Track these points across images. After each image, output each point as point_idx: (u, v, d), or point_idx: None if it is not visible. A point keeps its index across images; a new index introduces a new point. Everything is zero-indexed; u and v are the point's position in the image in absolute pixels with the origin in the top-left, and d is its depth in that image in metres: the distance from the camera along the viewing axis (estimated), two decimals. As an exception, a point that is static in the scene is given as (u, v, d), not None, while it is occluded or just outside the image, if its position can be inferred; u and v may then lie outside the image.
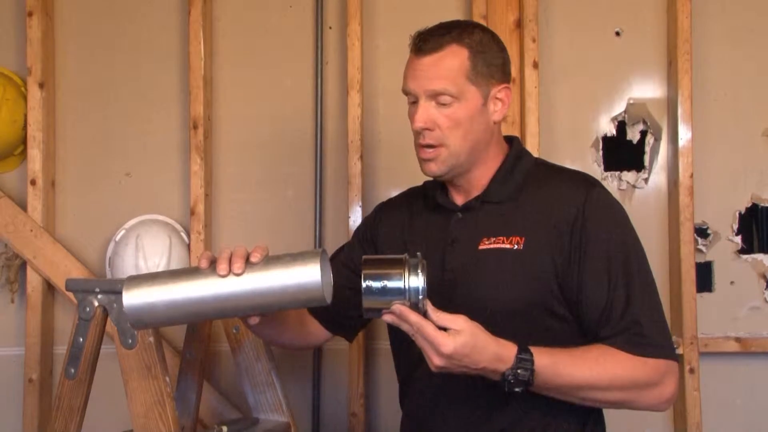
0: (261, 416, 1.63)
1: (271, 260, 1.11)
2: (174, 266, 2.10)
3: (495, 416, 1.26)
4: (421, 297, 1.08)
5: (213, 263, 1.11)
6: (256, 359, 1.62)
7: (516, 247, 1.26)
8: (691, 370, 2.02)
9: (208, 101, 2.17)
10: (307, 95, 2.18)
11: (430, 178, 1.43)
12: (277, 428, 1.60)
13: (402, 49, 1.38)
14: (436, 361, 1.08)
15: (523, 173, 1.35)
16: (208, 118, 2.16)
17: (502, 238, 1.28)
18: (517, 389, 1.11)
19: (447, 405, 1.31)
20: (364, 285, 1.06)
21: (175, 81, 2.21)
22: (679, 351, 2.03)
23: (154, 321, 1.13)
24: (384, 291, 1.06)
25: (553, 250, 1.24)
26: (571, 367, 1.15)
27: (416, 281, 1.07)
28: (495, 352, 1.11)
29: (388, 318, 1.09)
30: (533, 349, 1.13)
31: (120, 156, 2.22)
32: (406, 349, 1.31)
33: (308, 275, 1.07)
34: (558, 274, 1.23)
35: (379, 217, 1.51)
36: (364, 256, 1.11)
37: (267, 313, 1.17)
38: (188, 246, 2.15)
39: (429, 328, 1.07)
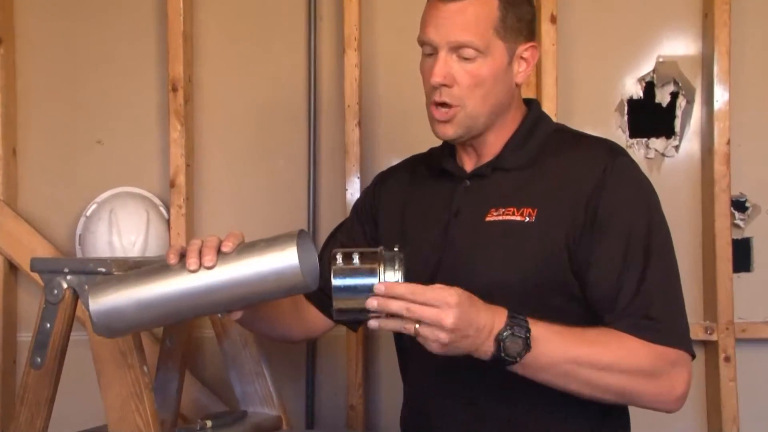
0: (249, 409, 1.63)
1: (245, 248, 1.11)
2: (152, 245, 2.10)
3: (498, 412, 1.28)
4: None
5: (183, 257, 1.12)
6: (243, 346, 1.62)
7: (527, 219, 1.26)
8: (727, 359, 2.02)
9: (189, 61, 2.15)
10: (299, 55, 2.17)
11: (437, 145, 1.45)
12: (267, 422, 1.61)
13: (405, 2, 1.37)
14: (441, 336, 1.07)
15: (541, 139, 1.35)
16: (188, 80, 2.14)
17: (512, 209, 1.28)
18: (514, 357, 1.11)
19: (448, 396, 1.33)
20: (334, 283, 1.07)
21: (152, 38, 2.19)
22: (713, 337, 2.03)
23: (125, 327, 1.15)
24: (356, 289, 1.07)
25: (568, 223, 1.24)
26: (569, 339, 1.16)
27: (392, 277, 1.07)
28: (489, 311, 1.11)
29: (373, 324, 1.09)
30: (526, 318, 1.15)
31: (90, 121, 2.21)
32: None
33: (285, 260, 1.08)
34: (570, 249, 1.24)
35: (378, 188, 1.52)
36: (333, 250, 1.11)
37: (249, 306, 1.18)
38: (168, 222, 2.15)
39: (428, 291, 1.07)
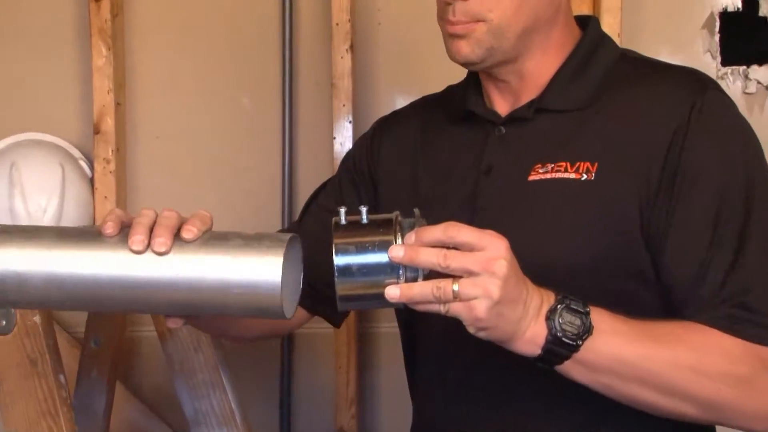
0: (203, 432, 1.65)
1: (212, 240, 1.09)
2: (69, 212, 2.10)
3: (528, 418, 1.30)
4: (420, 273, 1.08)
5: (126, 230, 1.11)
6: (195, 348, 1.62)
7: (585, 177, 1.27)
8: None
9: (117, -44, 2.17)
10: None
11: (458, 82, 1.44)
12: (227, 451, 1.62)
13: None
14: (493, 290, 1.05)
15: (603, 69, 1.34)
16: (117, -16, 2.17)
17: (564, 164, 1.29)
18: (573, 340, 1.11)
19: (476, 417, 1.34)
20: (336, 262, 1.07)
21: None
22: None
23: (21, 300, 1.13)
24: (367, 270, 1.07)
25: (640, 181, 1.25)
26: (638, 331, 1.16)
27: None
28: (535, 287, 1.12)
29: (392, 293, 1.08)
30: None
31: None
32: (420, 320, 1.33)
33: (265, 273, 1.06)
34: (644, 216, 1.24)
35: (380, 138, 1.52)
36: (334, 219, 1.09)
37: (194, 316, 1.19)
38: (91, 181, 2.16)
39: (469, 230, 1.07)
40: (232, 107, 2.23)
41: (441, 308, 1.07)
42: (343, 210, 1.09)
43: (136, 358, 2.20)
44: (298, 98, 2.20)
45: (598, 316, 1.14)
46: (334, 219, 1.10)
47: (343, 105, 2.13)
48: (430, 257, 1.06)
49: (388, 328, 2.12)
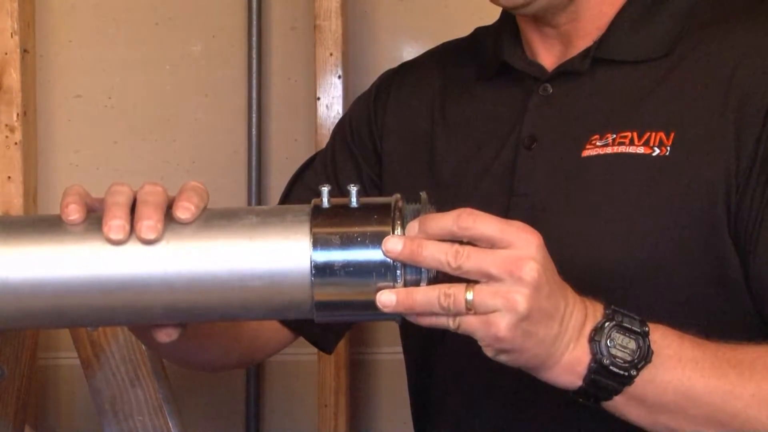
0: (141, 492, 1.65)
1: (216, 219, 1.08)
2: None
3: None
4: (425, 276, 1.08)
5: (94, 215, 1.10)
6: (132, 382, 1.63)
7: (657, 151, 1.28)
8: None
9: None
10: None
11: (488, 25, 1.46)
12: None
13: None
14: (519, 301, 1.06)
15: (682, 8, 1.35)
16: None
17: (629, 134, 1.30)
18: (624, 369, 1.11)
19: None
20: (315, 257, 1.07)
21: None
22: None
23: None
24: (355, 269, 1.08)
25: (729, 156, 1.25)
26: (712, 357, 1.16)
27: None
28: (577, 297, 1.11)
29: (386, 299, 1.08)
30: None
31: None
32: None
33: (295, 257, 1.08)
34: (731, 202, 1.25)
35: (385, 97, 1.53)
36: (313, 201, 1.09)
37: (192, 323, 1.18)
38: (-8, 155, 2.15)
39: (491, 220, 1.06)
40: (180, 57, 2.24)
41: (450, 323, 1.06)
42: (326, 189, 1.08)
43: (50, 394, 2.20)
44: (270, 45, 2.23)
45: (662, 338, 1.14)
46: (313, 201, 1.09)
47: (330, 54, 2.13)
48: (438, 254, 1.05)
49: (389, 354, 2.13)
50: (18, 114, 2.15)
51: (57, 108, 2.25)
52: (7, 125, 2.14)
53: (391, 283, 1.06)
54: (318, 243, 1.07)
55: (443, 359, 1.40)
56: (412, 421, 1.50)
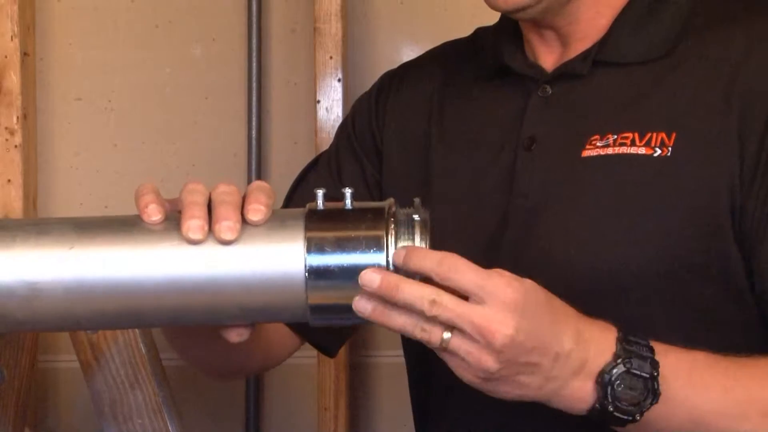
0: (140, 496, 1.65)
1: (279, 220, 1.11)
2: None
3: None
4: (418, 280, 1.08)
5: (171, 218, 1.09)
6: (132, 384, 1.62)
7: (658, 152, 1.28)
8: None
9: None
10: None
11: (487, 25, 1.45)
12: None
13: None
14: (485, 360, 1.07)
15: (682, 9, 1.35)
16: None
17: (630, 134, 1.30)
18: (629, 413, 1.11)
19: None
20: (309, 262, 1.07)
21: None
22: None
23: (30, 320, 1.11)
24: (347, 273, 1.08)
25: (733, 154, 1.25)
26: (722, 377, 1.17)
27: None
28: (581, 329, 1.11)
29: (361, 306, 1.08)
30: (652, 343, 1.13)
31: None
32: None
33: (286, 262, 1.09)
34: (736, 202, 1.25)
35: (386, 95, 1.54)
36: (308, 205, 1.10)
37: (261, 322, 1.19)
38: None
39: (470, 271, 1.05)
40: (180, 60, 2.24)
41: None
42: (320, 192, 1.09)
43: (50, 397, 2.20)
44: (270, 48, 2.23)
45: (674, 363, 1.14)
46: (308, 205, 1.10)
47: (330, 57, 2.12)
48: (413, 299, 1.05)
49: (389, 357, 2.13)
50: (18, 117, 2.14)
51: (57, 111, 2.25)
52: (6, 128, 2.14)
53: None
54: (312, 246, 1.08)
55: (442, 362, 1.39)
56: (413, 423, 1.50)
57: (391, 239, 1.08)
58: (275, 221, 1.11)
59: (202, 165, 2.25)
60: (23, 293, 1.08)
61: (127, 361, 1.62)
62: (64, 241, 1.09)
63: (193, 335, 1.33)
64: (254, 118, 2.22)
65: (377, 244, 1.08)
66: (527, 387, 1.11)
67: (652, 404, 1.12)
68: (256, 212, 1.08)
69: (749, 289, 1.26)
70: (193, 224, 1.06)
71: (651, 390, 1.12)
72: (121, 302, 1.10)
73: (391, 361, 2.08)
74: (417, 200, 1.11)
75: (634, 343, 1.12)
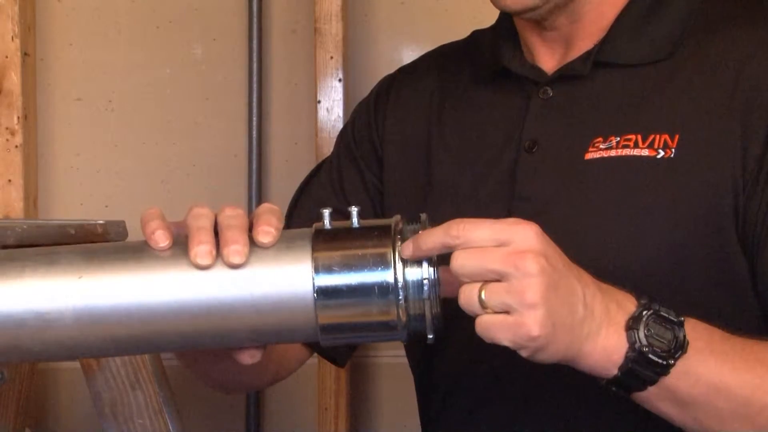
0: (141, 497, 1.65)
1: (287, 241, 1.11)
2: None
3: None
4: (428, 295, 1.08)
5: (177, 242, 1.09)
6: (133, 385, 1.62)
7: (661, 153, 1.28)
8: None
9: None
10: None
11: (485, 27, 1.45)
12: None
13: None
14: (526, 294, 1.04)
15: (685, 9, 1.35)
16: None
17: (633, 136, 1.30)
18: (662, 357, 1.10)
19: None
20: (317, 282, 1.07)
21: None
22: None
23: (45, 351, 1.10)
24: (356, 292, 1.09)
25: (736, 155, 1.25)
26: (740, 350, 1.17)
27: (419, 270, 1.08)
28: (598, 283, 1.12)
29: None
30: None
31: None
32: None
33: (295, 283, 1.09)
34: (739, 203, 1.25)
35: (384, 99, 1.53)
36: (315, 225, 1.10)
37: (271, 344, 1.19)
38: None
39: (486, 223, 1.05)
40: (180, 60, 2.24)
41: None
42: (327, 212, 1.09)
43: (51, 398, 2.20)
44: (270, 49, 2.23)
45: (693, 330, 1.13)
46: (315, 225, 1.11)
47: (331, 57, 2.12)
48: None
49: (390, 357, 2.13)
50: (18, 117, 2.14)
51: (57, 111, 2.25)
52: (7, 128, 2.14)
53: (394, 304, 1.07)
54: (320, 266, 1.08)
55: (445, 362, 1.39)
56: (419, 422, 1.49)
57: (398, 256, 1.08)
58: (282, 243, 1.11)
59: (202, 165, 2.25)
60: (34, 324, 1.07)
61: (128, 361, 1.62)
62: (73, 271, 1.09)
63: (204, 356, 1.33)
64: (254, 119, 2.22)
65: (384, 262, 1.08)
66: (571, 330, 1.10)
67: (682, 352, 1.12)
68: (267, 234, 1.08)
69: (752, 290, 1.27)
70: (201, 250, 1.06)
71: (679, 339, 1.12)
72: (132, 330, 1.10)
73: (391, 361, 2.08)
74: (423, 216, 1.11)
75: (653, 299, 1.13)
